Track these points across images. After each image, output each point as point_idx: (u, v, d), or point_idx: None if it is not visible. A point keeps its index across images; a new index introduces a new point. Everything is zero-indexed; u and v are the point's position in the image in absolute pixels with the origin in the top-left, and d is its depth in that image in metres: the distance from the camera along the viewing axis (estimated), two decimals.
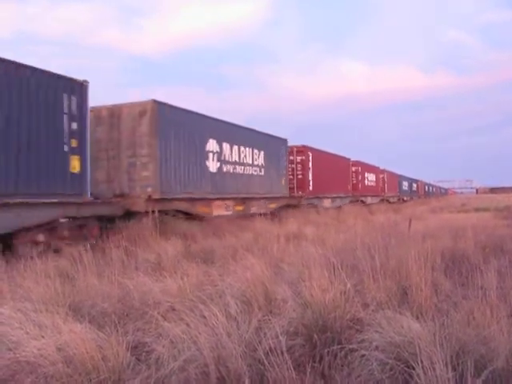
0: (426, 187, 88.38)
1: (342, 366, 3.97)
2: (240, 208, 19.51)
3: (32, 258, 7.42)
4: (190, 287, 5.90)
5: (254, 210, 20.34)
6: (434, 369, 3.32)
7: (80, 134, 11.42)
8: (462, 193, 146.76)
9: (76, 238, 11.30)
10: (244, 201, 19.89)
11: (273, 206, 22.51)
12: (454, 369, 3.40)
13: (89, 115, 11.95)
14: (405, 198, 56.09)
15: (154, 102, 14.37)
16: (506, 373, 3.51)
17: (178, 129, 15.33)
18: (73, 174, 11.22)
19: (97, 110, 14.29)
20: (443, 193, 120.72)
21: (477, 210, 29.57)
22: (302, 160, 25.59)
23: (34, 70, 10.41)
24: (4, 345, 4.19)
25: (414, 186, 69.77)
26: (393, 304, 4.95)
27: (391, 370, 3.67)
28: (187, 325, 4.24)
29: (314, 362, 4.07)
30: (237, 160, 19.23)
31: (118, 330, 4.28)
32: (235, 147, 19.08)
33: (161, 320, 4.56)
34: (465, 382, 3.28)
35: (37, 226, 10.50)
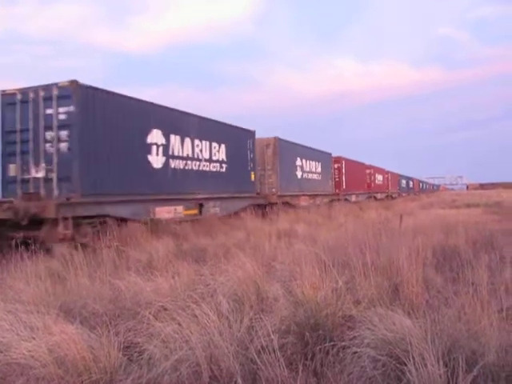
0: (421, 184, 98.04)
1: (334, 363, 3.97)
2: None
3: (22, 259, 7.38)
4: (182, 286, 5.89)
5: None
6: (426, 365, 3.34)
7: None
8: (452, 189, 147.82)
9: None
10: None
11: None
12: (445, 365, 3.42)
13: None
14: (403, 194, 64.41)
15: None
16: (497, 367, 3.53)
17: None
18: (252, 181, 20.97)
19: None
20: (435, 189, 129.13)
21: (467, 205, 29.70)
22: (338, 167, 33.45)
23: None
24: None
25: (411, 183, 79.95)
26: (384, 301, 4.96)
27: (383, 366, 3.68)
28: (179, 324, 4.23)
29: (306, 359, 4.07)
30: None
31: (109, 331, 4.25)
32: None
33: (152, 320, 4.54)
34: (456, 377, 3.30)
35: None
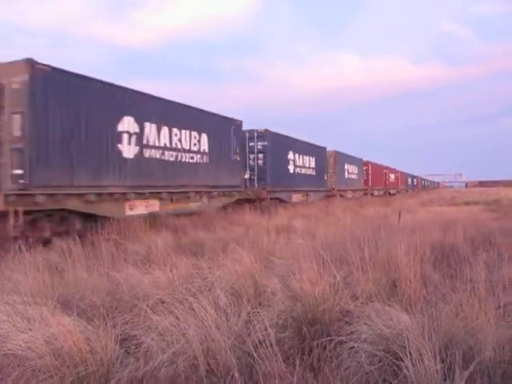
0: (423, 182, 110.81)
1: (331, 358, 3.97)
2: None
3: (21, 250, 7.36)
4: (180, 280, 5.88)
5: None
6: (423, 360, 3.35)
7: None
8: (451, 186, 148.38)
9: None
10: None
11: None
12: (442, 360, 3.42)
13: None
14: (409, 190, 73.70)
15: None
16: (494, 364, 3.53)
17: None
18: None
19: None
20: (435, 186, 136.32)
21: (466, 203, 29.71)
22: (366, 169, 43.66)
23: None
24: None
25: (415, 180, 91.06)
26: (382, 296, 4.97)
27: (380, 361, 3.69)
28: (176, 317, 4.23)
29: (304, 354, 4.08)
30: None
31: (106, 323, 4.25)
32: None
33: (150, 313, 4.54)
34: (453, 373, 3.30)
35: None
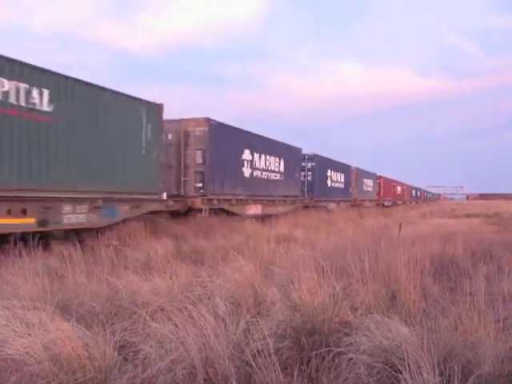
0: (425, 194, 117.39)
1: (330, 368, 3.96)
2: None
3: (20, 255, 7.37)
4: (179, 287, 5.89)
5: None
6: (421, 373, 3.33)
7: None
8: (452, 198, 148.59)
9: None
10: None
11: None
12: (441, 374, 3.41)
13: None
14: (413, 202, 78.09)
15: None
16: (493, 378, 3.52)
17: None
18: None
19: None
20: (436, 198, 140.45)
21: (467, 215, 29.75)
22: (379, 182, 49.20)
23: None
24: None
25: (418, 193, 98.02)
26: (381, 308, 4.97)
27: (378, 373, 3.68)
28: (175, 325, 4.23)
29: (302, 364, 4.07)
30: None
31: (105, 330, 4.26)
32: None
33: (149, 320, 4.54)
34: None
35: None
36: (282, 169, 23.65)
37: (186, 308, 4.59)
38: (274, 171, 22.79)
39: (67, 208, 11.37)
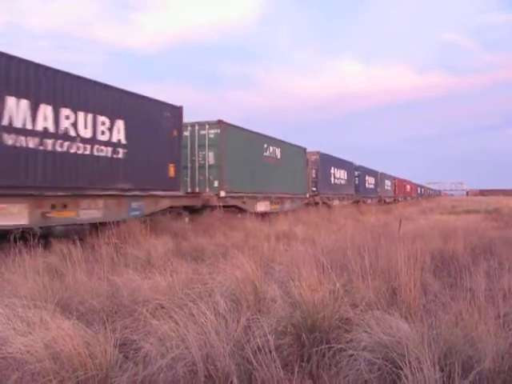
0: (428, 191, 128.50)
1: (330, 365, 3.96)
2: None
3: (21, 253, 7.36)
4: (180, 285, 5.89)
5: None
6: (422, 369, 3.33)
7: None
8: (452, 195, 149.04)
9: None
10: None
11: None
12: (441, 369, 3.42)
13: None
14: (418, 198, 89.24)
15: None
16: (493, 374, 3.52)
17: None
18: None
19: None
20: (437, 194, 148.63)
21: (467, 211, 29.75)
22: (394, 183, 59.72)
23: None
24: None
25: (422, 190, 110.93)
26: (382, 304, 4.97)
27: (379, 370, 3.68)
28: (176, 323, 4.23)
29: (302, 361, 4.07)
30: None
31: (106, 327, 4.26)
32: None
33: (149, 317, 4.54)
34: (452, 382, 3.29)
35: None
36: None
37: (186, 305, 4.59)
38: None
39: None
